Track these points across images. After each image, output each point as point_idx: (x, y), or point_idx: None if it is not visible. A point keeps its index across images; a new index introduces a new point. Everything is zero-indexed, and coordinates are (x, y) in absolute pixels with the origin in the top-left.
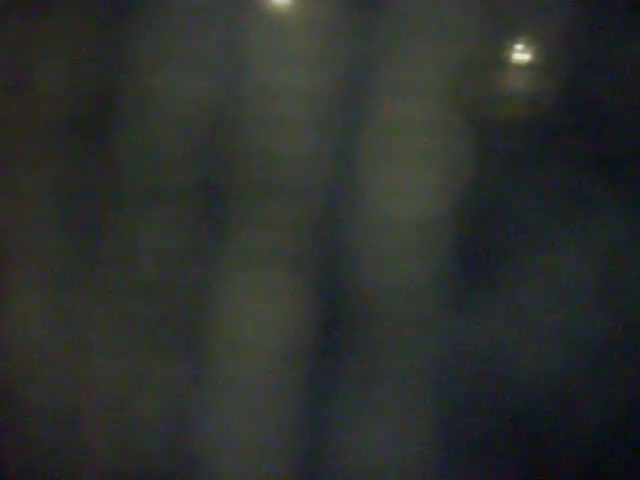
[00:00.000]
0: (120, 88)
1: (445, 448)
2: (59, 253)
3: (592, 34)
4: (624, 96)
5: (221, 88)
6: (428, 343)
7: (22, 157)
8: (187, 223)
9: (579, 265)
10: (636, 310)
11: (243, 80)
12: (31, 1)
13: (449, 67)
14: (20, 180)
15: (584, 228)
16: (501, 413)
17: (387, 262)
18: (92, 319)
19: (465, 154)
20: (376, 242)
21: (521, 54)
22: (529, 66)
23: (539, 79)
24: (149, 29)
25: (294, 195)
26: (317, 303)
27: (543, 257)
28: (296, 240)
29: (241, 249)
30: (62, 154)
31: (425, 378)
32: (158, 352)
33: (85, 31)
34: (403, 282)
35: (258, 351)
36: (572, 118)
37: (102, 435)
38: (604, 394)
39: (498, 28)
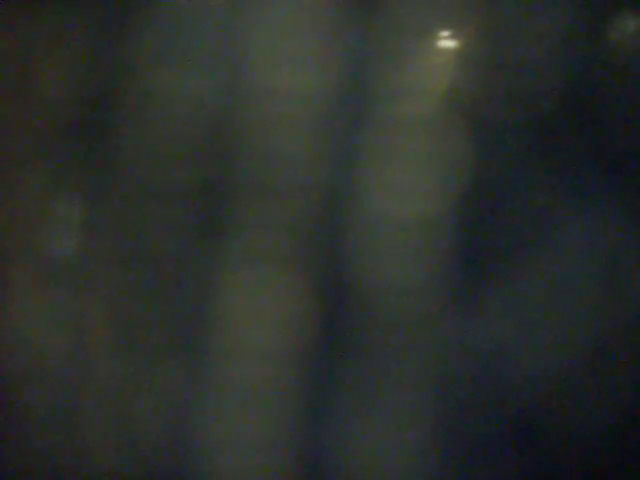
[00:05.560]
0: (120, 88)
1: (446, 448)
2: (59, 253)
3: (591, 31)
4: (625, 93)
5: (221, 88)
6: (429, 343)
7: (22, 157)
8: (188, 223)
9: (580, 265)
10: (637, 310)
11: (243, 80)
12: (31, 1)
13: (449, 67)
14: (20, 180)
15: (585, 228)
16: (502, 413)
17: (387, 262)
18: (92, 319)
19: (465, 154)
20: (376, 242)
21: (520, 52)
22: (528, 64)
23: (538, 78)
24: (149, 29)
25: (294, 195)
26: (318, 303)
27: (544, 257)
28: (296, 240)
29: (241, 249)
30: (62, 154)
31: (426, 378)
32: (159, 352)
33: (85, 30)
34: (403, 282)
35: (259, 351)
36: (572, 117)
37: (102, 435)
38: (605, 394)
39: (497, 26)
